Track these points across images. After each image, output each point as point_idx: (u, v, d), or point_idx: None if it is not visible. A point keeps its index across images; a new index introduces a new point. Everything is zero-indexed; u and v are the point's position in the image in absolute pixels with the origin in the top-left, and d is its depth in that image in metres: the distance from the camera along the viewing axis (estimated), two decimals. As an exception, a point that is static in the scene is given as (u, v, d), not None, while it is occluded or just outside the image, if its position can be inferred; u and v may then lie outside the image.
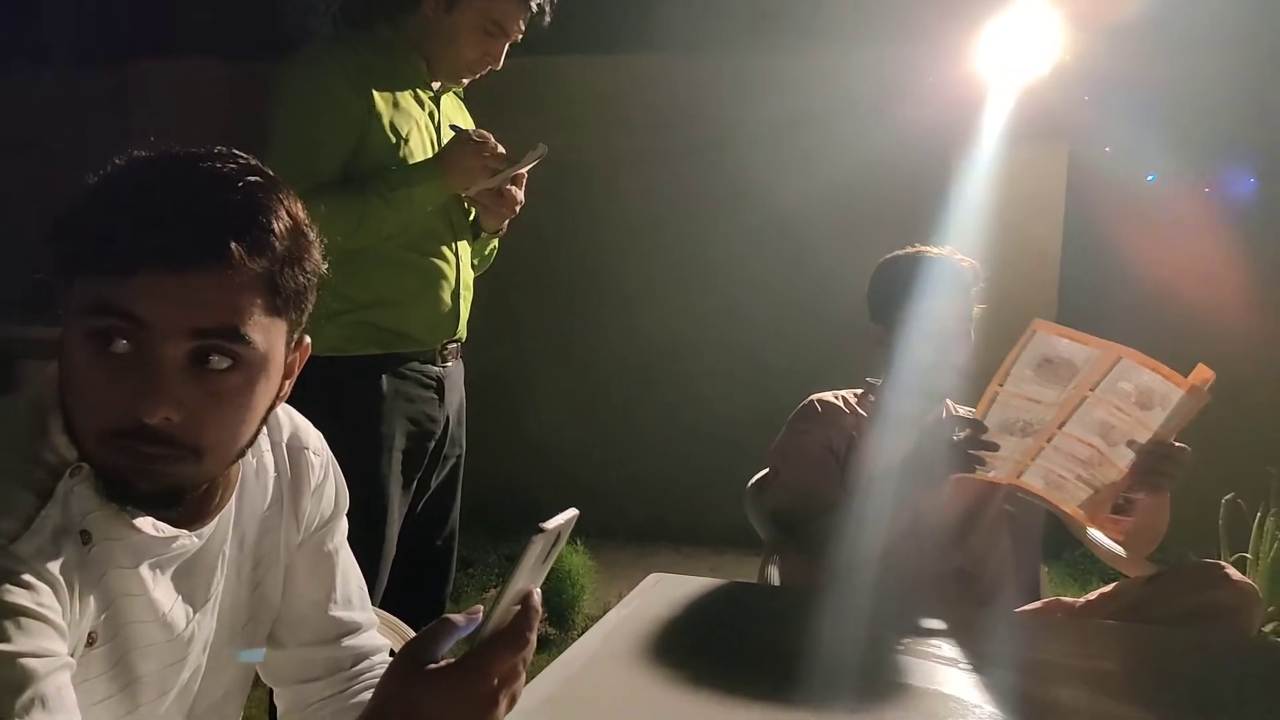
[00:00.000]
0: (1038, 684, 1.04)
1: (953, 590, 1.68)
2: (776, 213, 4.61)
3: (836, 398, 1.92)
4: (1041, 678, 1.06)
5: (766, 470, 1.97)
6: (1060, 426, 1.40)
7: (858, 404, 1.91)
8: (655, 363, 5.00)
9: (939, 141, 4.28)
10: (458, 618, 0.78)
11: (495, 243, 2.13)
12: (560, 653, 1.13)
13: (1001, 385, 1.41)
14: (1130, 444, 1.37)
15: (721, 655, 1.12)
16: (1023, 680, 1.05)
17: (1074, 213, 4.24)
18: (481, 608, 0.80)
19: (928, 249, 1.83)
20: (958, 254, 1.81)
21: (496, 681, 0.75)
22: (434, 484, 2.01)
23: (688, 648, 1.15)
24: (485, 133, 1.86)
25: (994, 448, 1.45)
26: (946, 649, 1.13)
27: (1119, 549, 1.71)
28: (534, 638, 0.78)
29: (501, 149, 1.83)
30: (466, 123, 2.03)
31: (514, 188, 1.91)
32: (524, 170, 1.88)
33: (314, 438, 0.98)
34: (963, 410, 1.92)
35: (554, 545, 0.79)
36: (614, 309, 5.05)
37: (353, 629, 0.99)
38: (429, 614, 0.82)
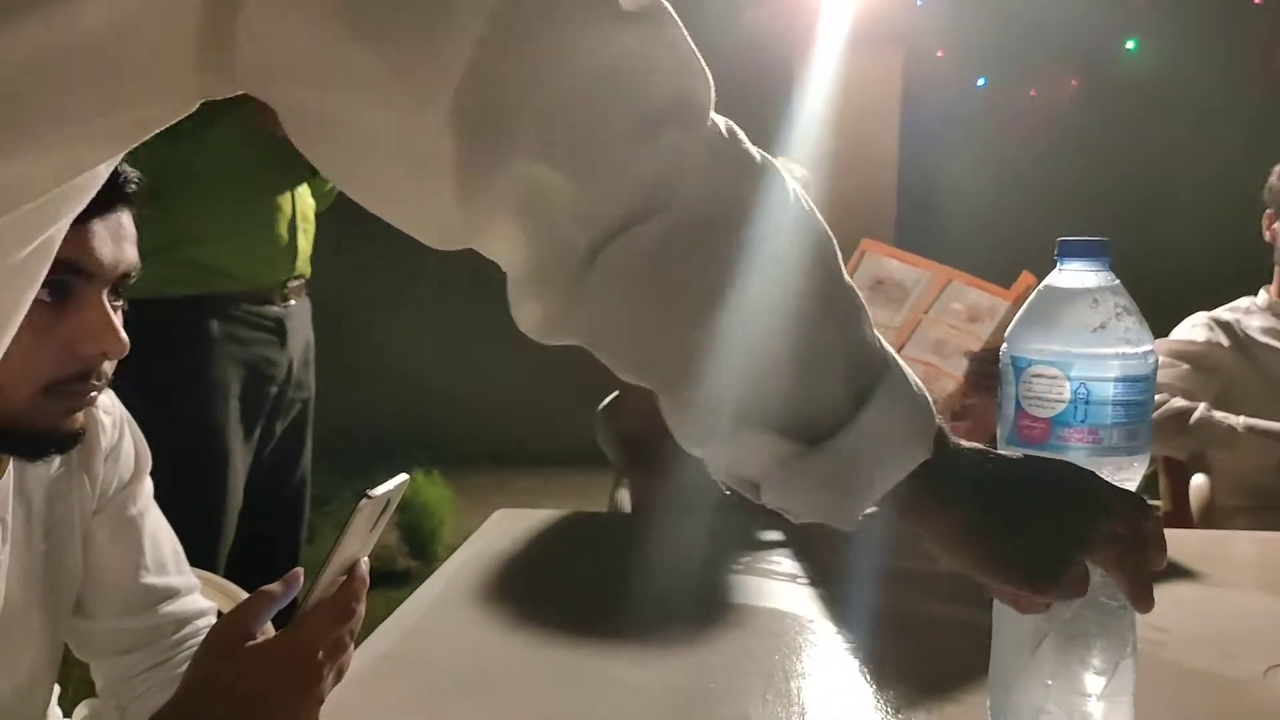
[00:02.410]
0: (875, 593, 1.08)
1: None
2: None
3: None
4: (880, 586, 1.11)
5: (616, 394, 1.97)
6: (899, 350, 1.43)
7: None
8: (502, 283, 4.91)
9: (781, 48, 4.28)
10: (274, 588, 0.74)
11: None
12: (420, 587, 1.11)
13: None
14: (966, 354, 1.42)
15: (567, 591, 1.11)
16: (861, 590, 1.09)
17: (910, 117, 4.35)
18: (301, 573, 0.76)
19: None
20: (790, 162, 1.83)
21: (321, 655, 0.71)
22: (279, 431, 1.92)
23: (533, 587, 1.14)
24: None
25: None
26: (786, 564, 1.16)
27: None
28: (361, 608, 0.75)
29: None
30: None
31: None
32: None
33: (104, 395, 0.90)
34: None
35: (383, 511, 0.75)
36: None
37: (169, 594, 0.93)
38: (283, 565, 0.78)
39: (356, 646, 0.92)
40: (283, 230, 1.82)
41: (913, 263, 1.35)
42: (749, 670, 0.88)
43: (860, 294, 1.43)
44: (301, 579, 0.75)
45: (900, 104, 4.35)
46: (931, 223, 4.63)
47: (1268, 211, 1.96)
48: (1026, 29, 4.41)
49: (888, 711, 0.80)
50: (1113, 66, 4.61)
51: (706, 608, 1.03)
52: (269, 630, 0.75)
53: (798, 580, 1.11)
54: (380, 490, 0.72)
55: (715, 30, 4.52)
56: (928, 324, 1.38)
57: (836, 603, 1.04)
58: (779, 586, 1.09)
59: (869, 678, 0.87)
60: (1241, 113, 4.16)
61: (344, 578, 0.74)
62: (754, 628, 0.98)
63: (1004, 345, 0.68)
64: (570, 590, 1.11)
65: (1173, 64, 4.44)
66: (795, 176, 1.89)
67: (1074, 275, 0.67)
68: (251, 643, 0.71)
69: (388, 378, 4.90)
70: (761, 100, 4.30)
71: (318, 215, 2.01)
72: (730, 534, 1.26)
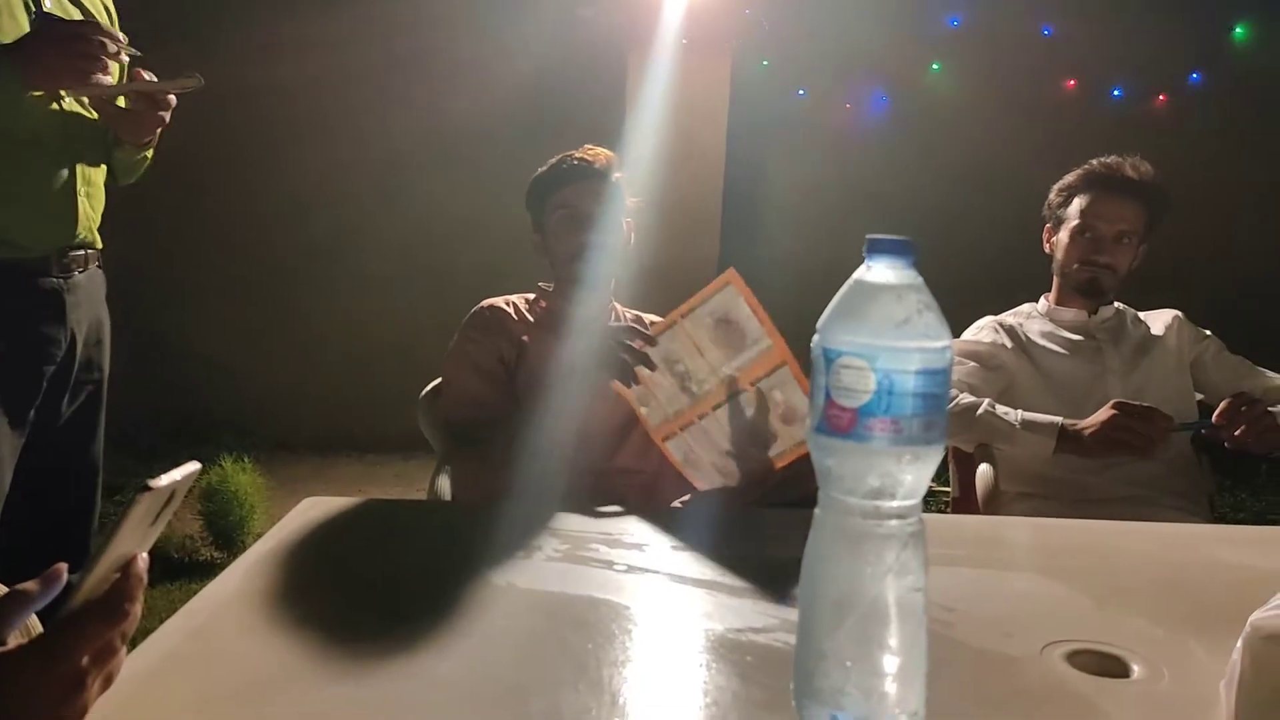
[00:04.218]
0: (688, 577, 1.09)
1: (617, 487, 1.75)
2: (455, 110, 4.43)
3: (507, 304, 1.90)
4: (692, 570, 1.12)
5: (439, 379, 1.91)
6: (714, 409, 1.47)
7: (528, 309, 1.90)
8: (327, 266, 4.70)
9: (615, 47, 4.31)
10: (30, 586, 0.66)
11: (148, 154, 1.84)
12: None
13: (683, 317, 1.45)
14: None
15: (374, 583, 1.06)
16: (674, 576, 1.10)
17: (736, 120, 4.48)
18: (63, 570, 0.68)
19: (571, 151, 1.86)
20: (590, 148, 1.85)
21: (85, 661, 0.64)
22: (67, 413, 1.74)
23: (339, 580, 1.08)
24: (96, 27, 1.55)
25: (651, 365, 1.50)
26: (603, 551, 1.16)
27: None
28: (137, 609, 0.68)
29: (115, 48, 1.54)
30: (98, 16, 1.71)
31: (161, 110, 1.65)
32: (169, 92, 1.62)
33: None
34: (631, 314, 1.98)
35: (167, 504, 0.69)
36: (281, 210, 4.64)
37: None
38: (71, 559, 0.70)
39: (134, 648, 0.84)
40: (59, 194, 1.65)
41: (762, 320, 1.38)
42: (562, 660, 0.87)
43: (708, 319, 1.45)
44: (64, 577, 0.67)
45: (728, 107, 4.47)
46: (753, 220, 4.80)
47: (1047, 226, 2.14)
48: (843, 47, 4.65)
49: (700, 697, 0.81)
50: (920, 86, 4.92)
51: (521, 597, 1.01)
52: (37, 627, 0.68)
53: (615, 567, 1.11)
54: (163, 481, 0.66)
55: (550, 27, 4.52)
56: (749, 400, 1.42)
57: (653, 589, 1.05)
58: (596, 574, 1.08)
59: (682, 664, 0.88)
60: (1033, 132, 4.54)
61: (118, 575, 0.67)
62: (569, 617, 0.97)
63: (816, 337, 0.70)
64: (378, 582, 1.06)
65: (972, 86, 4.79)
66: (592, 156, 1.88)
67: (880, 272, 0.69)
68: (2, 649, 0.63)
69: (197, 359, 4.59)
70: (595, 97, 4.31)
71: (125, 188, 1.85)
72: (549, 521, 1.25)
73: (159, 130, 1.73)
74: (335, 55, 4.38)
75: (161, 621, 0.91)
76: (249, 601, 0.98)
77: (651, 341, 1.51)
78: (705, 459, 1.53)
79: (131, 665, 0.82)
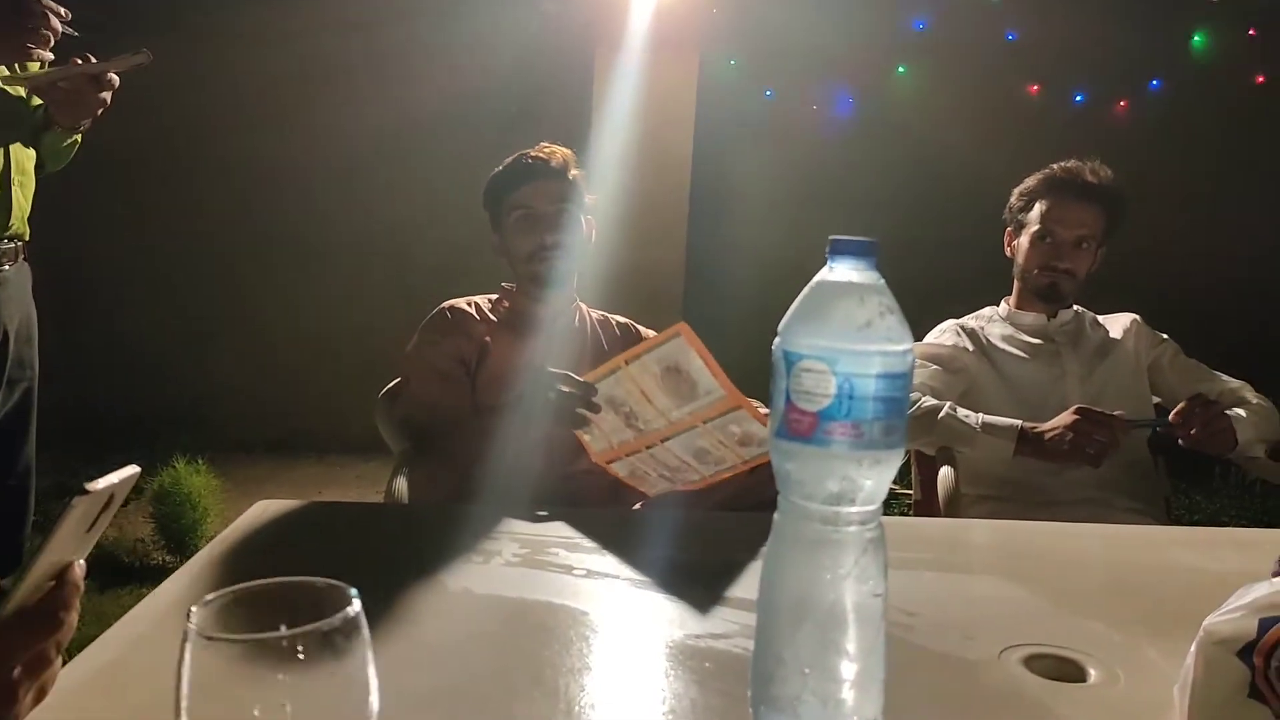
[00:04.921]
0: (652, 585, 1.08)
1: (580, 489, 1.73)
2: (416, 105, 4.39)
3: (469, 304, 1.87)
4: (652, 574, 1.11)
5: (399, 379, 1.89)
6: (663, 441, 1.43)
7: (490, 310, 1.88)
8: (284, 262, 4.63)
9: (582, 46, 4.29)
10: None
11: (76, 138, 1.79)
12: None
13: (627, 364, 1.39)
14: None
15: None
16: (634, 580, 1.09)
17: (704, 120, 4.48)
18: None
19: (528, 150, 1.83)
20: (547, 146, 1.83)
21: (16, 672, 0.61)
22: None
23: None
24: (44, 4, 1.50)
25: (596, 410, 1.45)
26: (563, 555, 1.14)
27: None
28: (73, 618, 0.65)
29: (56, 25, 1.49)
30: None
31: (104, 91, 1.60)
32: (117, 70, 1.57)
33: None
34: (596, 314, 1.97)
35: (105, 509, 0.66)
36: (237, 204, 4.56)
37: None
38: (4, 567, 0.66)
39: (72, 658, 0.82)
40: None
41: (715, 373, 1.29)
42: (517, 668, 0.85)
43: (655, 368, 1.40)
44: None
45: (695, 108, 4.48)
46: (720, 219, 4.80)
47: (1008, 230, 2.16)
48: (810, 48, 4.66)
49: (658, 705, 0.80)
50: (886, 88, 4.96)
51: (477, 603, 0.99)
52: None
53: (574, 572, 1.09)
54: (100, 484, 0.63)
55: (516, 23, 4.49)
56: (702, 432, 1.36)
57: (612, 594, 1.03)
58: (554, 578, 1.06)
59: (641, 671, 0.86)
60: (996, 136, 4.59)
61: (52, 583, 0.64)
62: (525, 623, 0.95)
63: (777, 339, 0.69)
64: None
65: (937, 89, 4.83)
66: (548, 154, 1.85)
67: (843, 273, 0.68)
68: None
69: (149, 357, 4.49)
70: (562, 95, 4.29)
71: (58, 179, 1.79)
72: (508, 525, 1.23)
73: (98, 114, 1.67)
74: (291, 47, 4.32)
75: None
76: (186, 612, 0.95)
77: (592, 391, 1.46)
78: (652, 474, 1.50)
79: (68, 677, 0.79)
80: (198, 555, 1.09)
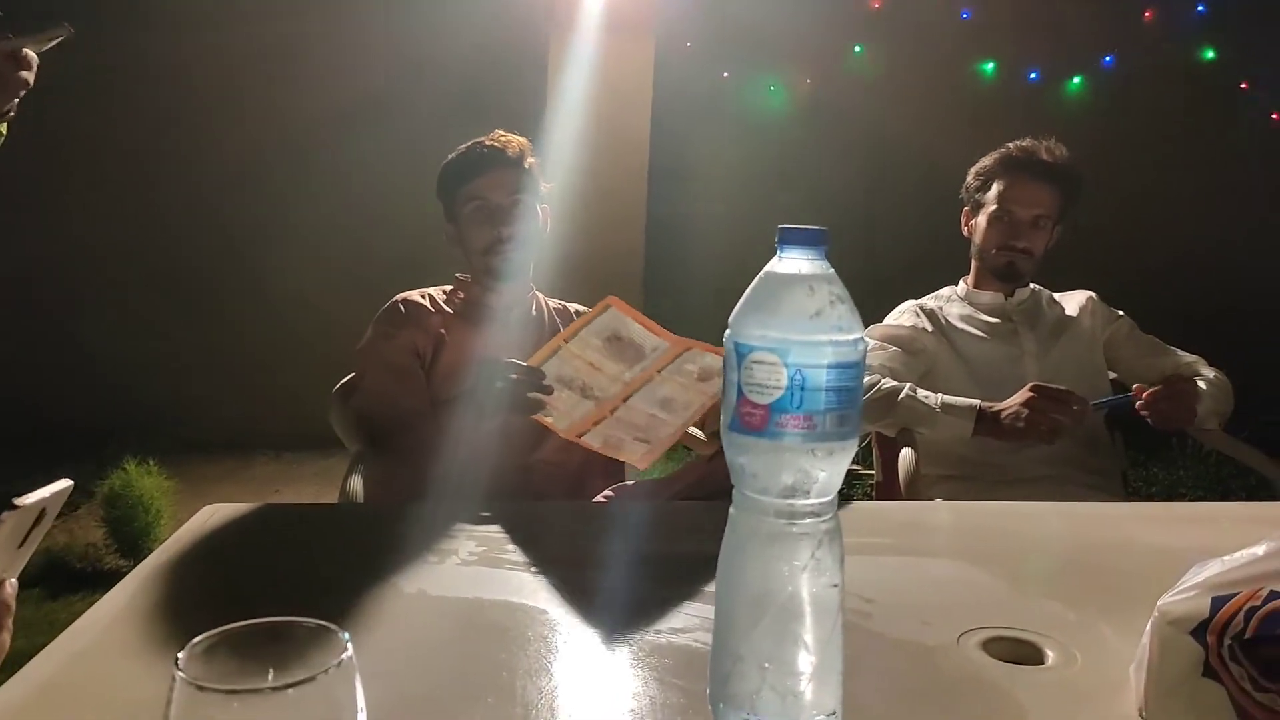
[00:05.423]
0: (608, 577, 1.07)
1: (541, 481, 1.71)
2: (367, 92, 4.32)
3: (423, 296, 1.84)
4: (612, 569, 1.10)
5: (353, 374, 1.85)
6: (624, 400, 1.44)
7: (445, 301, 1.85)
8: (235, 256, 4.54)
9: (535, 31, 4.23)
10: None
11: (2, 128, 1.72)
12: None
13: (566, 342, 1.42)
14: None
15: (275, 596, 1.01)
16: (593, 576, 1.07)
17: (661, 103, 4.46)
18: None
19: (481, 138, 1.80)
20: (501, 135, 1.80)
21: None
22: None
23: (237, 594, 1.02)
24: None
25: (548, 391, 1.45)
26: (520, 551, 1.13)
27: (698, 432, 1.85)
28: (5, 638, 0.63)
29: None
30: None
31: (23, 71, 1.53)
32: (35, 46, 1.51)
33: None
34: (554, 303, 1.94)
35: (36, 523, 0.63)
36: (183, 199, 4.46)
37: None
38: None
39: (12, 674, 0.79)
40: None
41: (654, 330, 1.36)
42: (473, 671, 0.83)
43: (595, 340, 1.41)
44: None
45: (652, 90, 4.44)
46: (678, 204, 4.78)
47: (965, 209, 2.16)
48: (766, 29, 4.65)
49: (617, 704, 0.79)
50: (842, 68, 4.96)
51: (432, 604, 0.97)
52: None
53: (531, 569, 1.07)
54: (30, 499, 0.61)
55: (469, 5, 4.43)
56: (659, 381, 1.40)
57: (571, 591, 1.02)
58: (511, 577, 1.04)
59: (600, 670, 0.85)
60: (957, 112, 4.61)
61: None
62: (482, 624, 0.93)
63: (728, 331, 0.67)
64: (281, 594, 1.01)
65: (893, 68, 4.84)
66: (503, 144, 1.83)
67: (792, 262, 0.67)
68: None
69: (95, 357, 4.39)
70: (516, 83, 4.24)
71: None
72: (465, 522, 1.21)
73: (20, 95, 1.60)
74: (240, 31, 4.22)
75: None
76: (139, 620, 0.92)
77: (540, 375, 1.45)
78: (626, 437, 1.51)
79: (5, 696, 0.76)
80: (142, 565, 1.06)
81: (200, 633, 0.50)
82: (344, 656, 0.51)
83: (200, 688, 0.48)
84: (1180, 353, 2.07)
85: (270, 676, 0.52)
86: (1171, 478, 4.07)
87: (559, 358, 1.43)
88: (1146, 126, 4.94)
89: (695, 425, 1.81)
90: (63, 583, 2.87)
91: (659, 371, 1.39)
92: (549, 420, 1.50)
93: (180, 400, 4.45)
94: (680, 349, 1.35)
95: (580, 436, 1.51)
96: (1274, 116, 5.13)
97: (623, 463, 1.92)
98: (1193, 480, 4.04)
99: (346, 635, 0.53)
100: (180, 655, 0.50)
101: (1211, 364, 2.04)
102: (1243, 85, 5.09)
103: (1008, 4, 4.83)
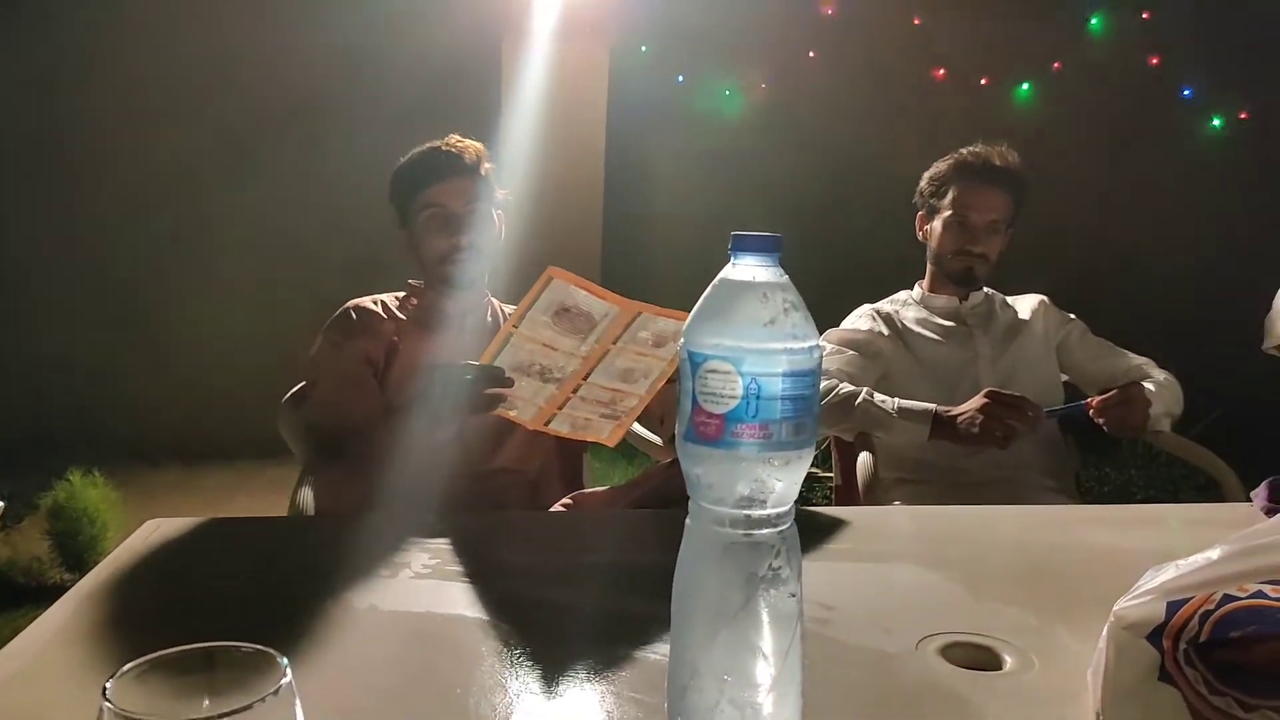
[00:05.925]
0: (565, 589, 1.05)
1: (498, 490, 1.69)
2: (317, 95, 4.25)
3: (375, 303, 1.81)
4: (569, 580, 1.08)
5: (303, 383, 1.81)
6: (585, 378, 1.42)
7: (398, 308, 1.82)
8: (180, 260, 4.44)
9: (491, 33, 4.20)
10: None
11: None
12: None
13: (515, 327, 1.38)
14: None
15: (219, 614, 0.98)
16: (550, 587, 1.05)
17: (616, 107, 4.45)
18: None
19: (436, 143, 1.77)
20: (457, 140, 1.77)
21: None
22: None
23: (180, 612, 0.99)
24: None
25: (509, 384, 1.43)
26: (474, 563, 1.10)
27: (655, 438, 1.84)
28: None
29: None
30: None
31: None
32: None
33: None
34: (508, 309, 1.92)
35: None
36: (127, 203, 4.35)
37: None
38: None
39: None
40: None
41: (601, 295, 1.32)
42: (424, 689, 0.81)
43: (544, 317, 1.40)
44: None
45: (607, 95, 4.44)
46: (635, 207, 4.78)
47: (920, 213, 2.18)
48: (720, 33, 4.67)
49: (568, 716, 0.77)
50: (796, 73, 4.99)
51: (383, 620, 0.95)
52: None
53: (487, 582, 1.05)
54: None
55: (422, 7, 4.38)
56: (615, 353, 1.38)
57: (527, 604, 1.00)
58: (466, 590, 1.02)
59: (556, 685, 0.83)
60: (904, 120, 4.66)
61: None
62: (434, 639, 0.91)
63: (681, 340, 0.66)
64: (226, 611, 0.98)
65: (846, 74, 4.89)
66: (459, 150, 1.80)
67: (746, 270, 0.66)
68: None
69: (38, 364, 4.26)
70: (469, 85, 4.20)
71: None
72: (419, 533, 1.18)
73: None
74: (184, 33, 4.14)
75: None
76: (79, 640, 0.88)
77: (498, 372, 1.43)
78: (594, 416, 1.49)
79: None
80: (79, 584, 1.02)
81: (140, 655, 0.48)
82: (282, 683, 0.49)
83: (129, 718, 0.46)
84: (1131, 355, 2.10)
85: (205, 705, 0.49)
86: (1123, 478, 4.15)
87: (511, 346, 1.40)
88: (1090, 130, 5.04)
89: (654, 430, 1.80)
90: (6, 598, 2.78)
91: (614, 343, 1.37)
92: (512, 414, 1.48)
93: (127, 408, 4.35)
94: (631, 314, 1.33)
95: (547, 424, 1.49)
96: (1242, 116, 5.24)
97: (581, 470, 1.91)
98: (1144, 480, 4.11)
99: (285, 660, 0.51)
100: (108, 684, 0.48)
101: (1161, 365, 2.07)
102: (1152, 60, 5.17)
103: (958, 12, 4.90)
